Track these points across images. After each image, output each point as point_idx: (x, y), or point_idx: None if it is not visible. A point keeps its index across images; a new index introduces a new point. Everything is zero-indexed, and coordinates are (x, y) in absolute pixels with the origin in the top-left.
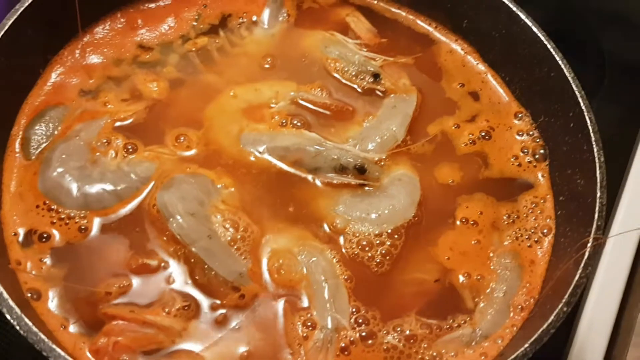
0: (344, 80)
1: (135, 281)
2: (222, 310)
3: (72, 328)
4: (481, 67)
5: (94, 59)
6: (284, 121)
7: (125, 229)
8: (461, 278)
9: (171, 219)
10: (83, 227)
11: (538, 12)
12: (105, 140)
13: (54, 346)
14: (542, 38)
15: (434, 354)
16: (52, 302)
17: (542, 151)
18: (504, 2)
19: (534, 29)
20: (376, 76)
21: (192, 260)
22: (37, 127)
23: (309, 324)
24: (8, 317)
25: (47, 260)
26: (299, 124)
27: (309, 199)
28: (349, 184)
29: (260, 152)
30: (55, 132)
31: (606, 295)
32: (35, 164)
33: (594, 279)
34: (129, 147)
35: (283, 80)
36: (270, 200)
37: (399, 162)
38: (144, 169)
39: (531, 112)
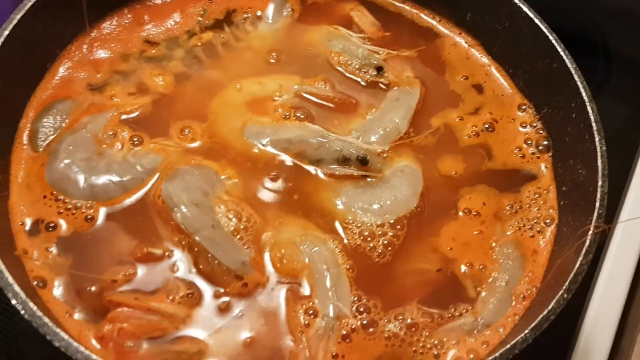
0: (347, 74)
1: (140, 269)
2: (225, 298)
3: (78, 315)
4: (485, 59)
5: (101, 53)
6: (287, 114)
7: (131, 219)
8: (463, 268)
9: (175, 209)
10: (89, 216)
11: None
12: (111, 133)
13: (58, 330)
14: (545, 30)
15: (436, 342)
16: (58, 290)
17: (545, 142)
18: None
19: (537, 21)
20: (379, 69)
21: (196, 249)
22: (44, 120)
23: (311, 312)
24: (14, 302)
25: (53, 249)
26: (302, 116)
27: (312, 190)
28: (351, 176)
29: (263, 145)
30: (63, 125)
31: (612, 288)
32: (43, 155)
33: (600, 272)
34: (135, 139)
35: (287, 74)
36: (273, 192)
37: (402, 154)
38: (149, 160)
39: (534, 103)
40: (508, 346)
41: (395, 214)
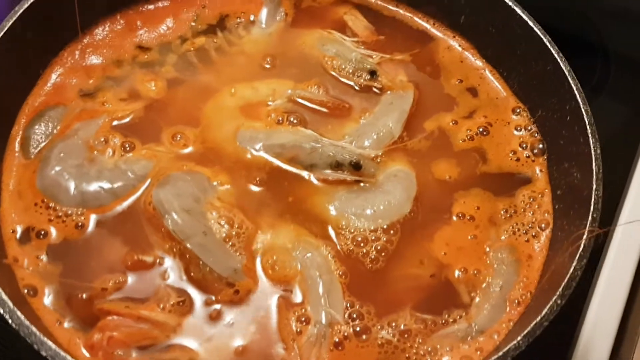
0: (341, 78)
1: (131, 277)
2: (217, 306)
3: (68, 324)
4: (479, 63)
5: (93, 59)
6: (280, 119)
7: (122, 226)
8: (457, 273)
9: (167, 216)
10: (80, 224)
11: (543, 11)
12: (103, 139)
13: (45, 339)
14: (538, 32)
15: (429, 348)
16: (48, 298)
17: (540, 146)
18: None
19: (531, 23)
20: (373, 73)
21: (187, 256)
22: (36, 127)
23: (303, 319)
24: (0, 310)
25: (44, 257)
26: (295, 121)
27: (305, 195)
28: (344, 181)
29: (256, 150)
30: (54, 132)
31: (612, 293)
32: (34, 162)
33: (599, 277)
34: (127, 145)
35: (280, 79)
36: (265, 197)
37: (395, 159)
38: (140, 167)
39: (529, 106)
40: (500, 353)
41: (388, 219)
